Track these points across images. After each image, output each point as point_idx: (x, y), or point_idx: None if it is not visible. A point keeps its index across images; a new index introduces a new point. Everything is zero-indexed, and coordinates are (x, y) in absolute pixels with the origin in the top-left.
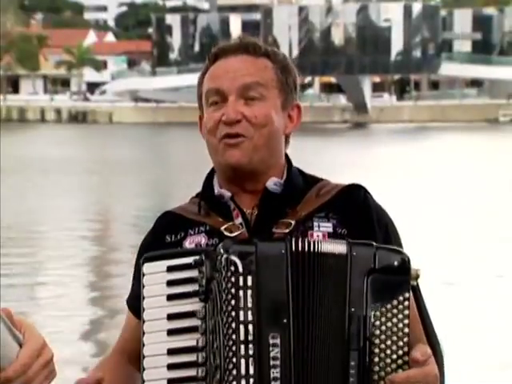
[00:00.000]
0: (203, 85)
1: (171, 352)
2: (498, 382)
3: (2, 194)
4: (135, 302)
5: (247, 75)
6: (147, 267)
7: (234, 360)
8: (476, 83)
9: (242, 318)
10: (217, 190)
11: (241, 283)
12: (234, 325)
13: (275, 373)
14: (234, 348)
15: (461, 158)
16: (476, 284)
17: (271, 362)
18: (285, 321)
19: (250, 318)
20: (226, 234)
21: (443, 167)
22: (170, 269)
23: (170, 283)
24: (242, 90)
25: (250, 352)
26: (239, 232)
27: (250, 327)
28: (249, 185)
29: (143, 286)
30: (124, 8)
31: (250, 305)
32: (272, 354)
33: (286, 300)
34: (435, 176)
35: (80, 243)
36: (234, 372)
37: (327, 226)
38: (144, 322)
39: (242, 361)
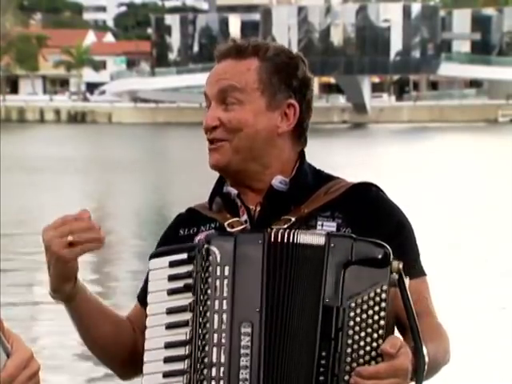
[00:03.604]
0: None
1: (168, 346)
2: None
3: (2, 194)
4: (142, 293)
5: (224, 79)
6: (152, 263)
7: (207, 349)
8: (475, 83)
9: (216, 308)
10: (225, 187)
11: (218, 273)
12: (208, 314)
13: (245, 361)
14: (207, 337)
15: (460, 159)
16: (477, 283)
17: (242, 351)
18: (257, 310)
19: (224, 307)
20: (228, 229)
21: (442, 168)
22: (172, 264)
23: (171, 278)
24: (219, 94)
25: (223, 341)
26: (241, 227)
27: (224, 316)
28: (247, 184)
29: (149, 281)
30: (123, 8)
31: (225, 294)
32: (243, 343)
33: (259, 290)
34: (434, 176)
35: None
36: (206, 360)
37: (331, 226)
38: (147, 316)
39: (214, 349)
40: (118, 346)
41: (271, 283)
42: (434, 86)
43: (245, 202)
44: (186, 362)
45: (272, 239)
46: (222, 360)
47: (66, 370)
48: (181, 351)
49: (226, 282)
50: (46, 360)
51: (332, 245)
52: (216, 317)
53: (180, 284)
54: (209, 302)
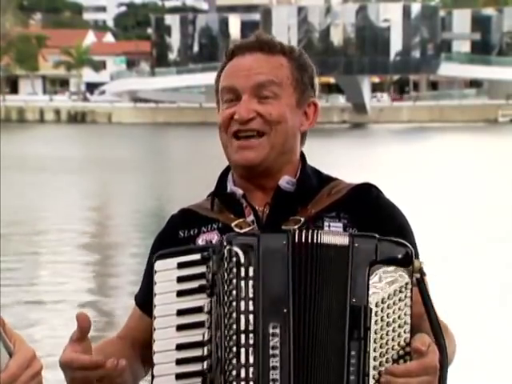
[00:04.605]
0: (220, 81)
1: (180, 347)
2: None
3: (2, 194)
4: (143, 297)
5: (261, 74)
6: (159, 265)
7: (235, 350)
8: (475, 83)
9: (242, 308)
10: (229, 187)
11: (242, 274)
12: (234, 315)
13: (274, 362)
14: (234, 338)
15: (460, 159)
16: (476, 282)
17: (271, 352)
18: (285, 311)
19: (250, 308)
20: (236, 230)
21: (442, 168)
22: (180, 265)
23: (180, 279)
24: (255, 88)
25: (250, 341)
26: (249, 228)
27: (251, 317)
28: (262, 181)
29: (155, 283)
30: (123, 8)
31: (250, 295)
32: (272, 344)
33: (286, 290)
34: (434, 176)
35: (79, 243)
36: (234, 361)
37: (337, 226)
38: (155, 318)
39: (242, 350)
40: (133, 371)
41: (297, 284)
42: (433, 86)
43: (250, 202)
44: (205, 363)
45: (296, 240)
46: (251, 361)
47: None
48: (195, 352)
49: (250, 283)
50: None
51: (356, 245)
52: (242, 317)
53: (191, 285)
54: (234, 303)
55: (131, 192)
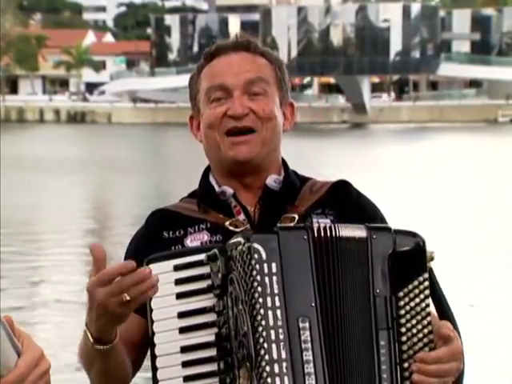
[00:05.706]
0: (199, 83)
1: (185, 349)
2: None
3: (2, 194)
4: None
5: (251, 71)
6: (153, 268)
7: (266, 345)
8: (475, 84)
9: (269, 304)
10: (217, 187)
11: (265, 270)
12: (262, 311)
13: (307, 355)
14: (264, 334)
15: (460, 159)
16: (475, 281)
17: (303, 345)
18: (312, 304)
19: (277, 303)
20: (231, 228)
21: (442, 168)
22: (177, 268)
23: (179, 282)
24: (246, 85)
25: (281, 337)
26: (244, 227)
27: (278, 312)
28: (249, 180)
29: None
30: (123, 8)
31: (276, 291)
32: (303, 338)
33: (311, 284)
34: (434, 177)
35: (78, 243)
36: (267, 357)
37: (326, 223)
38: (153, 322)
39: (273, 345)
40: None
41: (321, 277)
42: (433, 86)
43: (240, 201)
44: (220, 363)
45: (316, 234)
46: (283, 356)
47: None
48: (204, 353)
49: (275, 278)
50: None
51: (374, 237)
52: (270, 313)
53: (192, 287)
54: (261, 300)
55: (131, 192)
